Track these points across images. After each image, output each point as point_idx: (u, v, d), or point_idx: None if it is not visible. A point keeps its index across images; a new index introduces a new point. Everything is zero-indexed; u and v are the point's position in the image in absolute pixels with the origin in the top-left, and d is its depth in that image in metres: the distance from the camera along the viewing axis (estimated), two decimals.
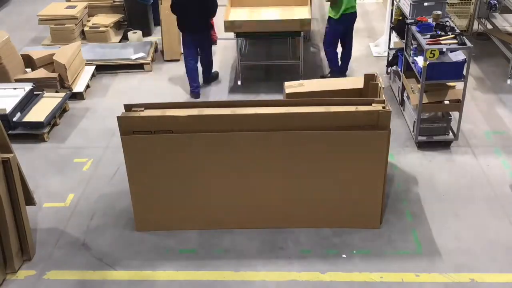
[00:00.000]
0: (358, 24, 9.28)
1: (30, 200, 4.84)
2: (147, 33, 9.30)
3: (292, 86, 5.39)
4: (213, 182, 4.71)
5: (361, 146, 4.49)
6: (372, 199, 4.75)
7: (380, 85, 4.85)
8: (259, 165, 4.62)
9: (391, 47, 7.54)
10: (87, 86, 7.61)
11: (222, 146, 4.53)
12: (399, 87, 6.82)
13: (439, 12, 6.11)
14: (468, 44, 5.56)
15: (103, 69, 8.08)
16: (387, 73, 7.59)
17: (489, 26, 8.68)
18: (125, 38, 9.09)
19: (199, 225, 4.94)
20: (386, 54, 7.84)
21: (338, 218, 4.86)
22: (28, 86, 6.91)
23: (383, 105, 4.52)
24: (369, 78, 5.05)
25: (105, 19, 9.16)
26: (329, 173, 4.64)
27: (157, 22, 8.90)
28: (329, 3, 7.01)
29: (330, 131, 4.45)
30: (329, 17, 7.12)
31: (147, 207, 4.88)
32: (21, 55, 7.62)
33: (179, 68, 8.22)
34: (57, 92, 7.21)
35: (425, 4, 6.30)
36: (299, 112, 4.48)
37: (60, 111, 6.90)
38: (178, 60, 8.45)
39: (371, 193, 4.71)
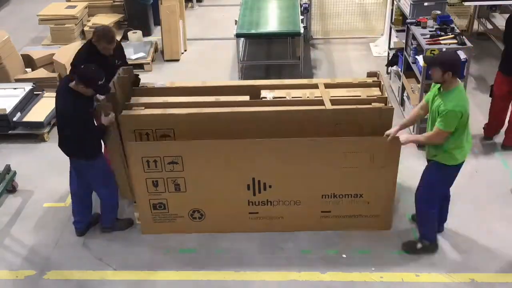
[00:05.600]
0: (358, 24, 9.33)
1: None
2: (147, 33, 9.31)
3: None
4: (216, 184, 4.67)
5: (375, 151, 4.45)
6: (384, 201, 4.72)
7: (382, 83, 4.85)
8: (264, 166, 4.57)
9: (391, 47, 7.55)
10: None
11: (223, 147, 4.50)
12: (399, 87, 6.82)
13: (439, 12, 6.12)
14: (468, 44, 5.56)
15: None
16: (387, 73, 7.59)
17: (489, 26, 8.68)
18: (125, 38, 9.08)
19: (201, 229, 4.91)
20: (386, 54, 7.85)
21: (350, 220, 4.82)
22: (28, 86, 6.91)
23: (383, 103, 4.53)
24: (372, 77, 5.05)
25: (105, 19, 9.16)
26: (340, 176, 4.58)
27: (157, 22, 8.91)
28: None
29: (343, 138, 4.43)
30: (440, 163, 4.33)
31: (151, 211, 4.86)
32: (21, 55, 7.62)
33: (179, 68, 8.22)
34: None
35: (425, 4, 6.32)
36: (301, 109, 4.49)
37: None
38: (178, 60, 8.45)
39: (384, 196, 4.69)
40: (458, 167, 4.32)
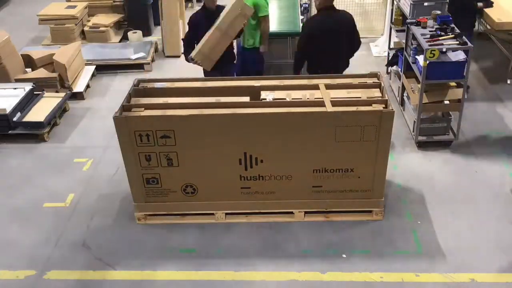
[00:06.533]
0: (358, 24, 9.29)
1: None
2: (147, 33, 9.31)
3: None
4: (208, 158, 4.68)
5: (366, 125, 4.49)
6: (375, 176, 4.74)
7: (383, 85, 4.85)
8: (256, 141, 4.58)
9: (391, 47, 7.55)
10: (87, 86, 7.61)
11: (215, 121, 4.51)
12: (399, 87, 6.82)
13: (439, 12, 6.12)
14: (468, 44, 5.56)
15: (103, 69, 8.08)
16: (387, 73, 7.59)
17: (489, 26, 8.67)
18: (125, 38, 9.09)
19: (194, 205, 4.95)
20: (386, 54, 7.84)
21: (341, 195, 4.86)
22: (28, 86, 6.91)
23: (384, 105, 4.52)
24: (373, 77, 5.05)
25: (105, 19, 9.17)
26: (331, 151, 4.61)
27: (157, 22, 8.92)
28: None
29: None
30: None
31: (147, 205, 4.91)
32: (21, 55, 7.62)
33: (179, 68, 8.22)
34: (57, 92, 7.22)
35: (425, 4, 6.31)
36: (301, 112, 4.48)
37: (60, 111, 6.90)
38: (178, 57, 8.46)
39: (374, 170, 4.70)
40: None
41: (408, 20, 6.27)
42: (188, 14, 10.08)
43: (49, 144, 6.43)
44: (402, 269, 4.49)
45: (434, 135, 6.05)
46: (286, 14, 7.80)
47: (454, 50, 5.70)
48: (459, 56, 5.69)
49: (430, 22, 6.02)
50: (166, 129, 4.54)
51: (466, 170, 5.67)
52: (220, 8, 5.91)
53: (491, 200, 5.23)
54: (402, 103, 6.73)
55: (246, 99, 4.78)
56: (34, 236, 4.98)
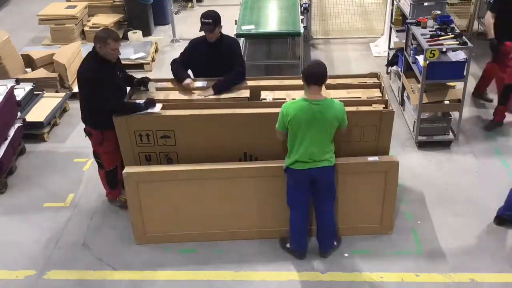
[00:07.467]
0: (358, 24, 9.34)
1: None
2: (147, 33, 9.31)
3: None
4: (208, 158, 4.62)
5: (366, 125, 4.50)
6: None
7: (383, 85, 4.85)
8: (255, 141, 4.57)
9: (391, 47, 7.55)
10: None
11: (215, 121, 4.50)
12: (399, 87, 6.82)
13: (439, 12, 6.13)
14: (469, 44, 5.56)
15: None
16: (387, 73, 7.59)
17: None
18: (125, 38, 9.08)
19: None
20: (386, 54, 7.85)
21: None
22: (28, 86, 6.90)
23: (384, 105, 4.52)
24: (373, 77, 5.05)
25: (105, 19, 9.17)
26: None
27: (157, 22, 8.91)
28: None
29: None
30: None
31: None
32: (21, 55, 7.62)
33: None
34: (57, 92, 7.22)
35: (425, 4, 6.32)
36: None
37: (60, 111, 6.90)
38: None
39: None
40: (287, 172, 4.29)
41: (408, 20, 6.27)
42: (189, 14, 10.14)
43: (49, 144, 6.43)
44: (402, 269, 4.49)
45: (434, 135, 6.05)
46: (286, 14, 7.80)
47: (454, 50, 5.70)
48: (459, 56, 5.69)
49: (430, 22, 6.03)
50: (166, 129, 4.54)
51: (466, 170, 5.67)
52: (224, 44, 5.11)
53: (491, 200, 5.23)
54: (402, 103, 6.74)
55: (246, 98, 4.78)
56: (34, 236, 4.98)
